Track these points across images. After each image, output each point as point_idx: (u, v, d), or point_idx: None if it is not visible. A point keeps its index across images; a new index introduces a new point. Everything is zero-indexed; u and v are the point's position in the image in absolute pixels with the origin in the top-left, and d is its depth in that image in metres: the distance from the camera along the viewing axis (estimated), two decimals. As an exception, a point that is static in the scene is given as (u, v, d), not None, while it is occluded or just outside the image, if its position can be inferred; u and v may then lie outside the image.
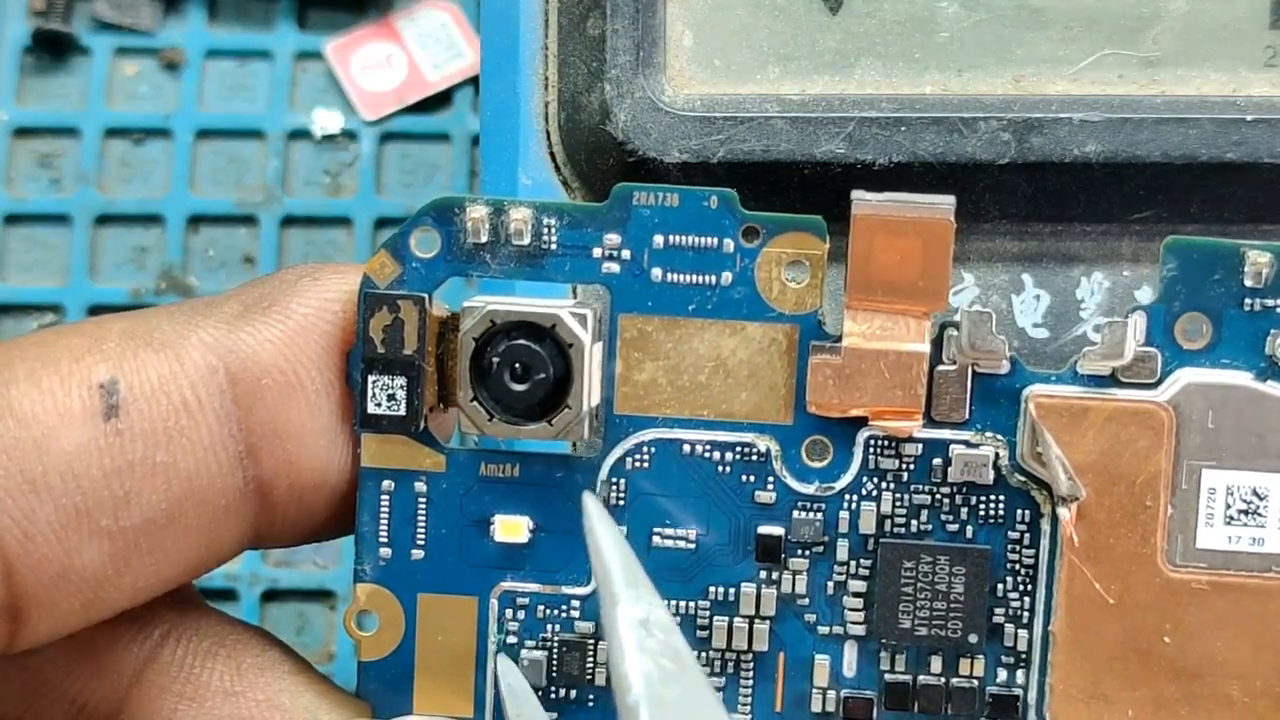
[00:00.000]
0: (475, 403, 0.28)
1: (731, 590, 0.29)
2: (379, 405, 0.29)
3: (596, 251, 0.29)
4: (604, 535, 0.24)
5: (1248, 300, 0.28)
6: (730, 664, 0.30)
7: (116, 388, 0.27)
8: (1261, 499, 0.28)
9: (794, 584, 0.29)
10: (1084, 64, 0.33)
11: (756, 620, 0.29)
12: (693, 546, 0.29)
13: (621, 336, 0.29)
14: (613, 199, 0.29)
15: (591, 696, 0.30)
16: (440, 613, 0.30)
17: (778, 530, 0.29)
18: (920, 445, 0.29)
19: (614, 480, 0.29)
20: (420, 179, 0.54)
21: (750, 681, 0.30)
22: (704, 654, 0.30)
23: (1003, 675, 0.29)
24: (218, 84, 0.55)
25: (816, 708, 0.30)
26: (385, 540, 0.29)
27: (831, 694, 0.30)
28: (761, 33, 0.34)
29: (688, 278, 0.29)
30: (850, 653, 0.30)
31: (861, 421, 0.29)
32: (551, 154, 0.35)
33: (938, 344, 0.29)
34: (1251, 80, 0.33)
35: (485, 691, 0.30)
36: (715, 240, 0.29)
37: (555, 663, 0.30)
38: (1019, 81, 0.33)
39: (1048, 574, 0.29)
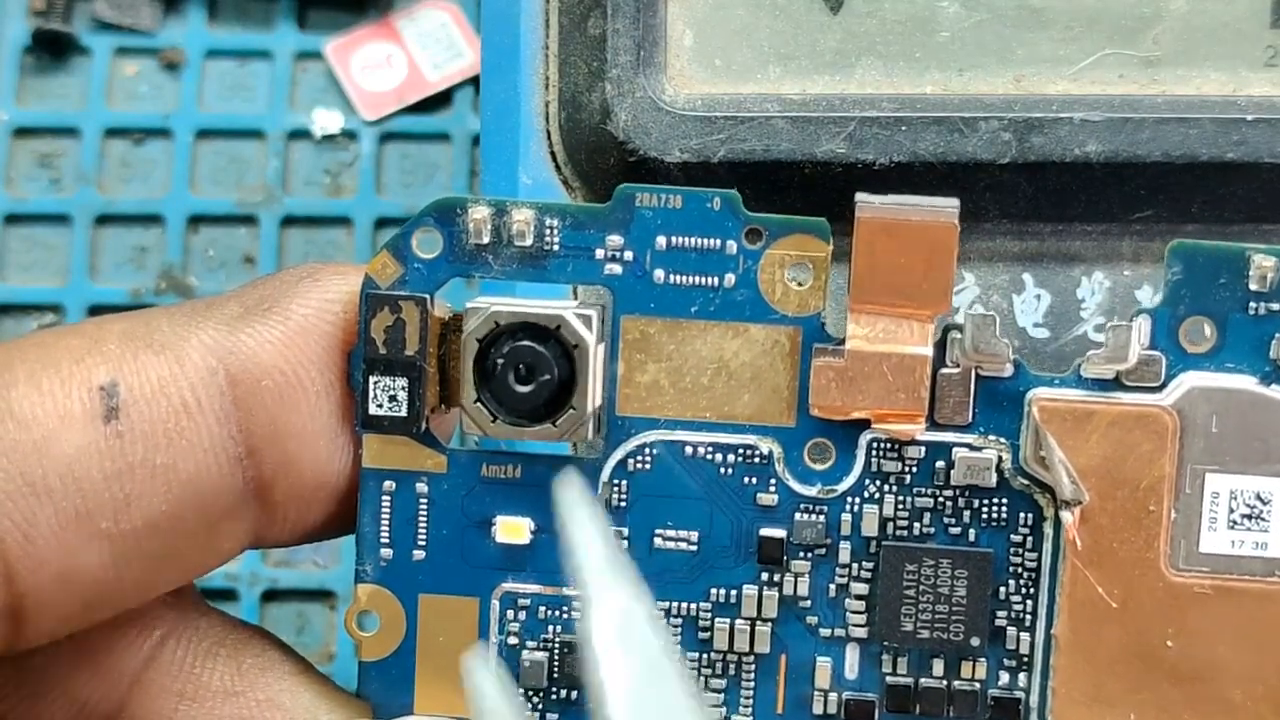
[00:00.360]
0: (479, 404, 0.28)
1: (733, 592, 0.29)
2: (380, 406, 0.29)
3: (599, 253, 0.29)
4: (580, 522, 0.24)
5: (1252, 304, 0.28)
6: (732, 666, 0.30)
7: (116, 390, 0.27)
8: (1265, 504, 0.28)
9: (796, 586, 0.29)
10: (1085, 64, 0.33)
11: (758, 622, 0.29)
12: (694, 548, 0.29)
13: (624, 338, 0.29)
14: (615, 200, 0.29)
15: (592, 698, 0.30)
16: (441, 613, 0.29)
17: (780, 532, 0.29)
18: (923, 448, 0.29)
19: (616, 481, 0.29)
20: (420, 179, 0.54)
21: (752, 683, 0.30)
22: (705, 656, 0.29)
23: (1005, 678, 0.29)
24: (218, 84, 0.55)
25: (818, 710, 0.29)
26: (386, 541, 0.29)
27: (833, 696, 0.29)
28: (762, 32, 0.34)
29: (690, 279, 0.29)
30: (852, 655, 0.29)
31: (864, 424, 0.29)
32: (552, 153, 0.35)
33: (941, 347, 0.29)
34: (1252, 80, 0.33)
35: (486, 693, 0.29)
36: (718, 242, 0.29)
37: (556, 664, 0.30)
38: (1020, 81, 0.33)
39: (1050, 577, 0.29)
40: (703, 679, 0.30)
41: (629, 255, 0.29)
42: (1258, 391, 0.28)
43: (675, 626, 0.29)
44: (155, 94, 0.55)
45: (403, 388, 0.29)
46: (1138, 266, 0.33)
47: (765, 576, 0.29)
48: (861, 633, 0.29)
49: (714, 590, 0.29)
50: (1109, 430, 0.28)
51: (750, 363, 0.29)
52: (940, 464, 0.29)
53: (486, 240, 0.29)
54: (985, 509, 0.29)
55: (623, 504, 0.29)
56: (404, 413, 0.29)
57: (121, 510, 0.26)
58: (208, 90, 0.55)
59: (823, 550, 0.29)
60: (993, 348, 0.28)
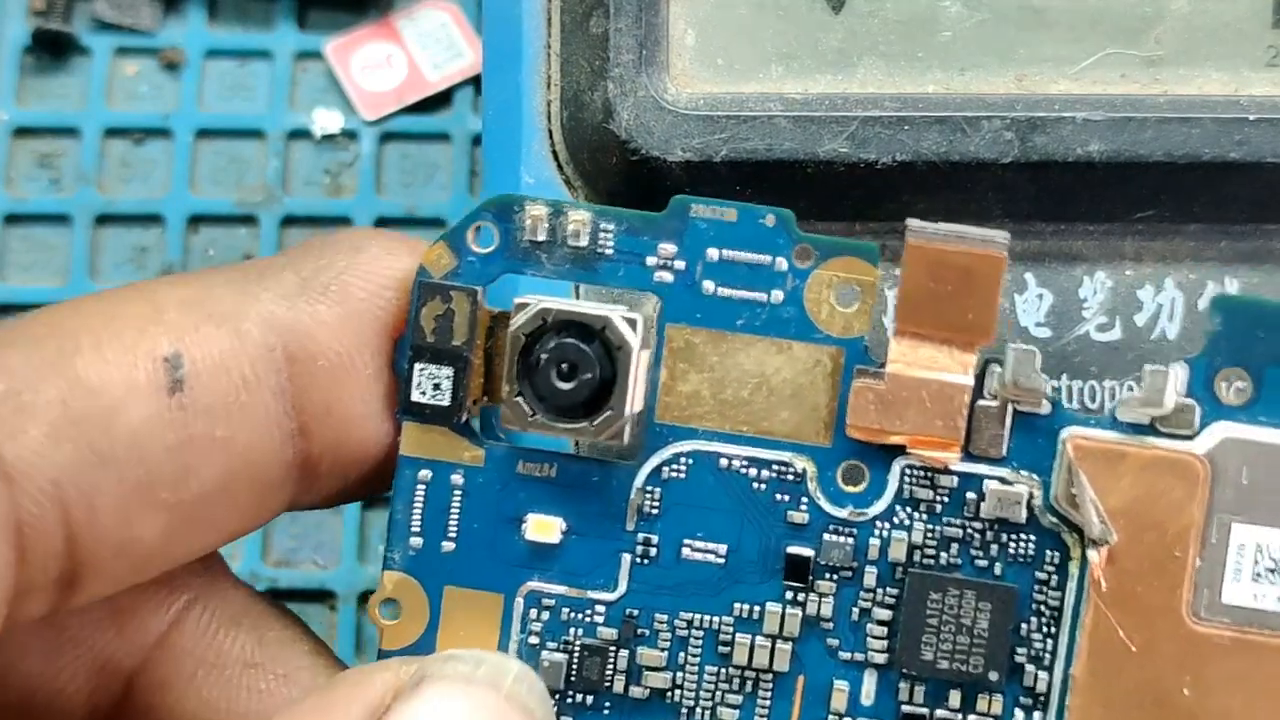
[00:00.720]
0: (519, 398, 0.29)
1: (757, 608, 0.29)
2: (424, 393, 0.29)
3: (650, 260, 0.29)
4: None
5: (1290, 360, 0.28)
6: (750, 683, 0.30)
7: (181, 362, 0.27)
8: (1292, 556, 0.28)
9: (819, 607, 0.29)
10: (1087, 63, 0.33)
11: (779, 640, 0.29)
12: (722, 561, 0.30)
13: (668, 346, 0.29)
14: (671, 209, 0.29)
15: (608, 704, 0.30)
16: (465, 606, 0.30)
17: (807, 551, 0.29)
18: (956, 478, 0.29)
19: (649, 489, 0.29)
20: (420, 179, 0.54)
21: (768, 702, 0.30)
22: (724, 670, 0.30)
23: (1020, 716, 0.29)
24: (218, 84, 0.55)
25: (832, 733, 0.30)
26: (417, 530, 0.30)
27: (847, 721, 0.30)
28: (764, 32, 0.34)
29: (738, 293, 0.29)
30: (870, 681, 0.30)
31: (899, 450, 0.29)
32: (554, 152, 0.34)
33: (980, 379, 0.29)
34: (1254, 80, 0.33)
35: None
36: (769, 258, 0.29)
37: (575, 667, 0.30)
38: (1022, 81, 0.33)
39: (1072, 617, 0.29)
40: (719, 693, 0.30)
41: (680, 264, 0.29)
42: (1291, 446, 0.28)
43: (697, 638, 0.30)
44: (155, 94, 0.55)
45: (447, 377, 0.29)
46: (1140, 266, 0.33)
47: (790, 595, 0.29)
48: (881, 658, 0.29)
49: (738, 605, 0.30)
50: (1141, 473, 0.29)
51: (791, 380, 0.29)
52: (971, 495, 0.29)
53: (542, 238, 0.29)
54: (1013, 544, 0.29)
55: (654, 511, 0.29)
56: (446, 402, 0.29)
57: (181, 481, 0.27)
58: (208, 90, 0.55)
59: (849, 573, 0.29)
60: (1032, 383, 0.29)
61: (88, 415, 0.26)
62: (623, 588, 0.30)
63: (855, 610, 0.29)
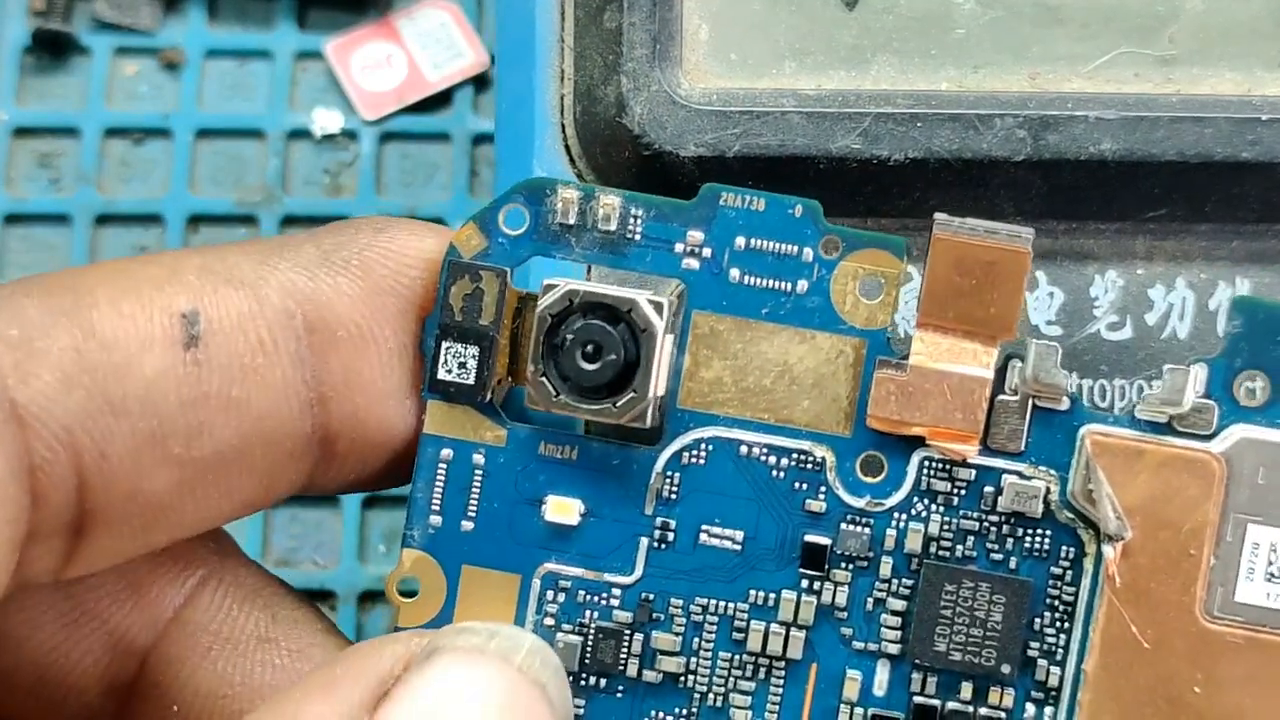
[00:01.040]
0: (544, 378, 0.29)
1: (772, 596, 0.30)
2: (450, 372, 0.29)
3: (678, 246, 0.30)
4: None
5: (1308, 364, 0.29)
6: (763, 670, 0.30)
7: (197, 318, 0.27)
8: (1306, 556, 0.29)
9: (834, 595, 0.30)
10: (1100, 62, 0.34)
11: (794, 628, 0.30)
12: (739, 548, 0.30)
13: (693, 332, 0.30)
14: (700, 197, 0.30)
15: (621, 687, 0.30)
16: (482, 586, 0.30)
17: (824, 540, 0.30)
18: (974, 471, 0.29)
19: (669, 474, 0.30)
20: (420, 179, 0.54)
21: (780, 688, 0.30)
22: (738, 656, 0.30)
23: (1030, 710, 0.29)
24: (218, 84, 0.55)
25: (843, 723, 0.30)
26: (437, 508, 0.30)
27: (859, 711, 0.30)
28: (778, 27, 0.34)
29: (764, 282, 0.29)
30: (882, 671, 0.30)
31: (918, 442, 0.29)
32: (566, 146, 0.35)
33: (1001, 373, 0.29)
34: (1267, 80, 0.34)
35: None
36: (795, 248, 0.29)
37: (590, 649, 0.30)
38: (1035, 79, 0.34)
39: (1085, 613, 0.29)
40: (732, 679, 0.30)
41: (707, 252, 0.29)
42: (1307, 447, 0.29)
43: (711, 624, 0.30)
44: (155, 94, 0.55)
45: (473, 356, 0.29)
46: (1151, 265, 0.33)
47: (805, 583, 0.30)
48: (894, 649, 0.30)
49: (753, 592, 0.30)
50: (1158, 470, 0.29)
51: (814, 369, 0.30)
52: (989, 489, 0.29)
53: (572, 221, 0.29)
54: (1029, 538, 0.29)
55: (674, 496, 0.30)
56: (471, 381, 0.29)
57: (194, 437, 0.27)
58: (208, 90, 0.55)
59: (865, 562, 0.30)
60: (1053, 378, 0.29)
61: (100, 364, 0.26)
62: (639, 571, 0.30)
63: (870, 600, 0.30)
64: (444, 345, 0.29)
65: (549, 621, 0.30)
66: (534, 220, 0.30)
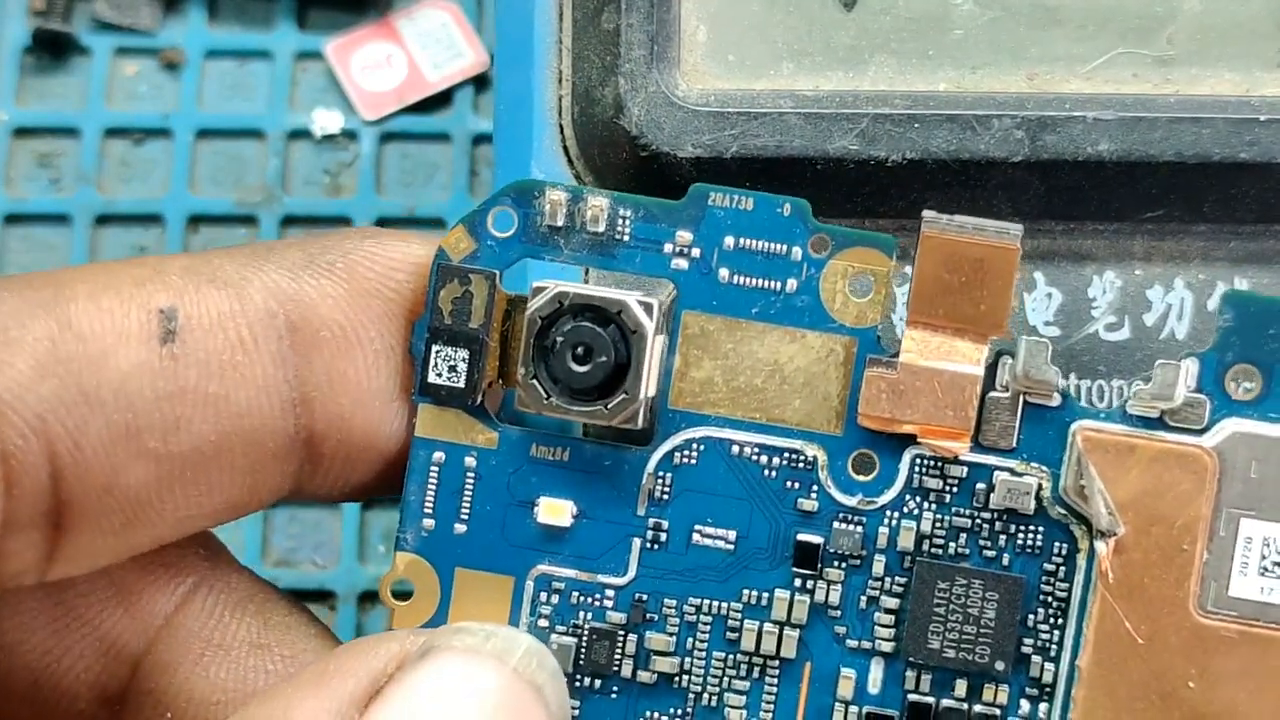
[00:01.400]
0: (534, 380, 0.29)
1: (765, 595, 0.30)
2: (440, 375, 0.29)
3: (668, 247, 0.29)
4: None
5: (1299, 357, 0.29)
6: (757, 669, 0.30)
7: (175, 314, 0.27)
8: (1299, 550, 0.29)
9: (828, 594, 0.30)
10: (1098, 62, 0.34)
11: (787, 627, 0.30)
12: (731, 548, 0.30)
13: (683, 332, 0.30)
14: (689, 197, 0.30)
15: (615, 688, 0.30)
16: (476, 589, 0.30)
17: (817, 539, 0.30)
18: (965, 468, 0.29)
19: (661, 474, 0.30)
20: (420, 179, 0.54)
21: (775, 687, 0.30)
22: (731, 656, 0.30)
23: (1025, 706, 0.29)
24: (218, 84, 0.55)
25: (838, 721, 0.30)
26: (430, 511, 0.30)
27: (854, 710, 0.30)
28: (775, 28, 0.34)
29: (754, 281, 0.29)
30: (876, 669, 0.30)
31: (909, 440, 0.29)
32: (565, 147, 0.35)
33: (992, 370, 0.29)
34: (1265, 80, 0.33)
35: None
36: (785, 247, 0.29)
37: (584, 650, 0.30)
38: (1032, 79, 0.34)
39: (1079, 609, 0.29)
40: (726, 679, 0.30)
41: (696, 252, 0.29)
42: (1299, 441, 0.29)
43: (705, 624, 0.30)
44: (155, 94, 0.55)
45: (463, 359, 0.29)
46: (1149, 266, 0.33)
47: (799, 582, 0.30)
48: (888, 647, 0.30)
49: (746, 591, 0.30)
50: (1150, 465, 0.29)
51: (804, 368, 0.29)
52: (980, 486, 0.29)
53: (560, 223, 0.29)
54: (1021, 535, 0.29)
55: (665, 497, 0.30)
56: (461, 384, 0.29)
57: (170, 432, 0.27)
58: (208, 90, 0.55)
59: (858, 561, 0.30)
60: (1043, 374, 0.29)
61: (75, 355, 0.26)
62: (632, 572, 0.30)
63: (863, 598, 0.30)
64: (434, 348, 0.29)
65: (543, 623, 0.30)
66: (523, 222, 0.30)
